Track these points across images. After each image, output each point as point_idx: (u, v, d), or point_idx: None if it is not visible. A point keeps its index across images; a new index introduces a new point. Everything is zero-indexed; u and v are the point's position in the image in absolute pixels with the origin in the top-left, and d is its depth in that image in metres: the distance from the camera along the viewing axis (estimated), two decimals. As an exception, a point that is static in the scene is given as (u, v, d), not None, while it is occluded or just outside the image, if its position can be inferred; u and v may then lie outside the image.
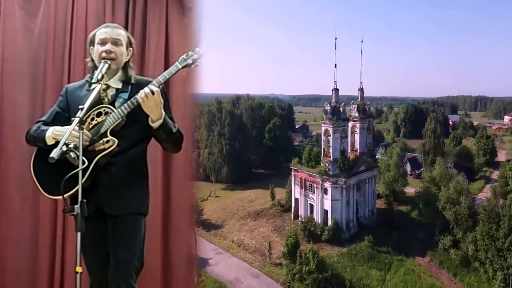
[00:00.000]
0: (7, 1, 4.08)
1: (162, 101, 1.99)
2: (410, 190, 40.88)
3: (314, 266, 26.22)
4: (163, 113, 2.02)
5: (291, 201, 40.34)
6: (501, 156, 54.45)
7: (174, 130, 2.08)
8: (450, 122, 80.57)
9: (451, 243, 28.64)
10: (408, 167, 48.00)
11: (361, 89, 36.58)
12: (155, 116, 2.00)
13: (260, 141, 61.45)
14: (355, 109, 35.00)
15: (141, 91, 1.97)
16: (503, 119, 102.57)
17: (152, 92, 1.94)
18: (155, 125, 2.02)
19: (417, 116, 74.63)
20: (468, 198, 28.55)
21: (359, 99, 36.58)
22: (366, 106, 35.58)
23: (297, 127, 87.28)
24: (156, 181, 3.65)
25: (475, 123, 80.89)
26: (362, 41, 36.19)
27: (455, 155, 45.63)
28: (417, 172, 49.18)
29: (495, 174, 45.13)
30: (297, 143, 73.53)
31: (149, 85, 1.97)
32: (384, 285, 27.35)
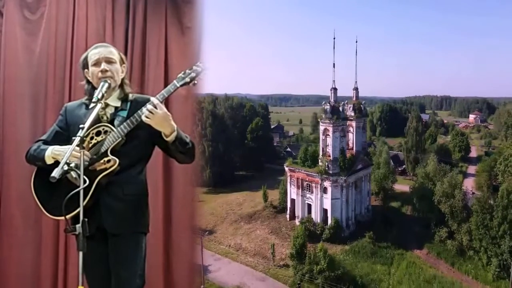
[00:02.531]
0: (8, 20, 4.28)
1: (169, 113, 2.01)
2: (396, 187, 44.02)
3: (325, 265, 27.34)
4: (175, 125, 2.05)
5: (285, 202, 41.27)
6: (472, 152, 60.54)
7: (188, 140, 2.13)
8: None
9: (447, 235, 31.50)
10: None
11: (356, 88, 38.70)
12: (167, 130, 2.02)
13: (241, 141, 61.73)
14: (351, 108, 36.98)
15: (143, 109, 2.00)
16: (468, 117, 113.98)
17: (151, 111, 1.97)
18: (170, 139, 2.04)
19: (392, 115, 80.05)
20: (461, 191, 31.70)
21: (354, 98, 38.68)
22: (361, 106, 37.73)
23: (271, 127, 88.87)
24: (157, 199, 3.79)
25: (445, 121, 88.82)
26: (356, 42, 38.15)
27: (435, 152, 49.84)
28: (399, 169, 52.94)
29: (471, 169, 49.92)
30: (274, 144, 74.99)
31: (148, 103, 2.00)
32: (390, 279, 29.31)
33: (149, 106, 1.96)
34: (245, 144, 62.38)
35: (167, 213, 3.92)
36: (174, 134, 2.04)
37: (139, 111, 2.04)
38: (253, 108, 67.22)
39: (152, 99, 2.01)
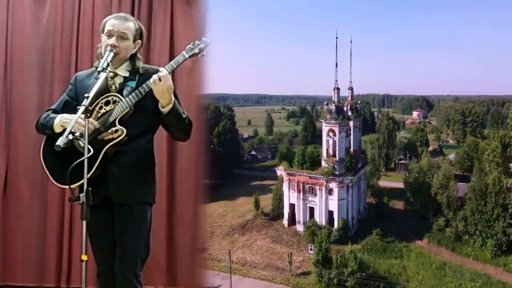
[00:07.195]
0: None
1: (173, 86, 2.18)
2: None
3: (356, 266, 29.51)
4: (173, 98, 2.21)
5: (279, 208, 42.47)
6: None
7: (184, 116, 2.28)
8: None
9: (444, 223, 36.80)
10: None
11: (351, 88, 42.16)
12: (165, 101, 2.18)
13: (206, 146, 60.58)
14: (348, 108, 40.21)
15: (153, 76, 2.14)
16: (411, 114, 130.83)
17: (160, 79, 2.13)
18: (165, 110, 2.19)
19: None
20: (455, 182, 37.44)
21: (350, 98, 42.06)
22: (357, 105, 41.22)
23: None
24: (161, 171, 4.00)
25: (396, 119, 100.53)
26: (351, 42, 41.42)
27: (404, 147, 56.85)
28: (371, 165, 58.84)
29: (434, 162, 58.14)
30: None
31: (159, 71, 2.16)
32: (406, 272, 33.04)
33: (159, 74, 2.13)
34: (211, 149, 61.50)
35: (170, 185, 4.26)
36: (169, 106, 2.19)
37: (147, 81, 2.17)
38: (218, 109, 66.64)
39: (162, 69, 2.17)
